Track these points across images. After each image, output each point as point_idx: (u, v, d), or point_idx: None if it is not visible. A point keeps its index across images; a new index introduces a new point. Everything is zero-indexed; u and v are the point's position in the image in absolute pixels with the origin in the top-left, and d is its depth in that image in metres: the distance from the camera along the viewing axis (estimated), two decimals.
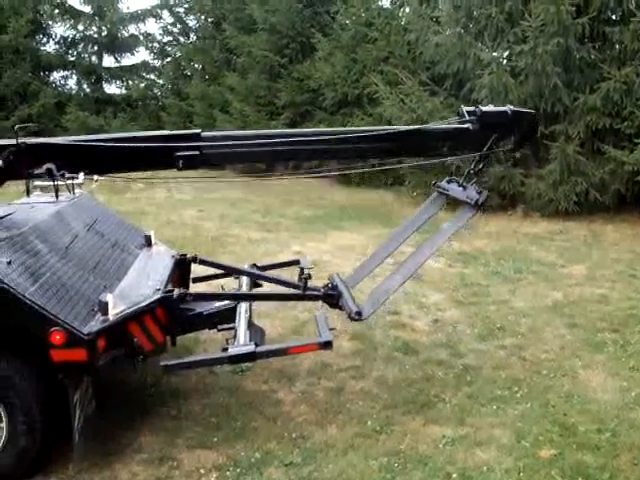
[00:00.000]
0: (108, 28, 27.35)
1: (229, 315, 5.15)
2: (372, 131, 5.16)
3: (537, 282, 8.64)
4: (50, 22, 27.48)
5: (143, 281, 5.24)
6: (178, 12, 26.77)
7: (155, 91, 27.21)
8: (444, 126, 5.17)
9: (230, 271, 6.13)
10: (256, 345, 4.47)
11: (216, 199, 16.11)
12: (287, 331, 7.01)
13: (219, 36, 22.68)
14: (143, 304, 4.58)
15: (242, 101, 20.52)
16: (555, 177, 11.97)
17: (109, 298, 4.46)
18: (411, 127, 5.23)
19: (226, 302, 5.34)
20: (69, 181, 6.25)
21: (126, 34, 27.90)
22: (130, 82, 27.58)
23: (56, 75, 27.80)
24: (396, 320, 7.28)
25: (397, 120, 13.84)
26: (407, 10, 16.58)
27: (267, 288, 6.00)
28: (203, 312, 5.12)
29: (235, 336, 4.73)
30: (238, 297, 5.37)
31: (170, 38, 27.35)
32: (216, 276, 6.36)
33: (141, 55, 28.29)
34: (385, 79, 15.42)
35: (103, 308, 4.39)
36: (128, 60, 28.33)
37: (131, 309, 4.51)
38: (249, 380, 5.82)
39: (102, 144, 4.94)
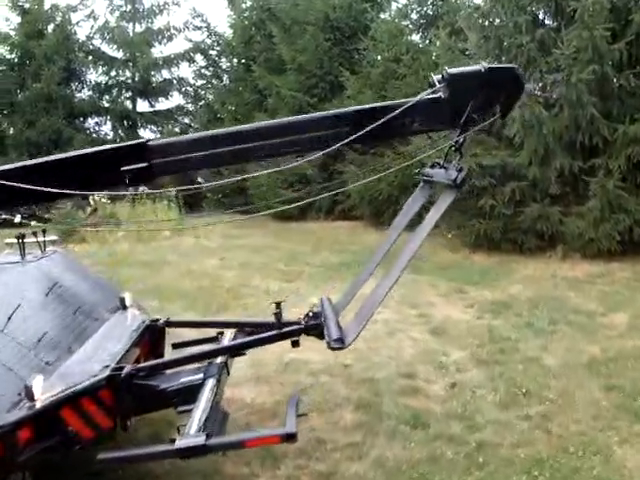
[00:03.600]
0: (141, 73, 27.13)
1: (192, 393, 4.40)
2: (329, 115, 4.38)
3: (573, 334, 7.73)
4: (84, 69, 27.34)
5: (98, 354, 4.56)
6: (211, 55, 26.50)
7: None
8: (409, 100, 4.26)
9: (204, 326, 5.46)
10: (208, 436, 3.69)
11: (242, 246, 15.52)
12: (285, 397, 6.20)
13: (249, 78, 22.25)
14: (80, 386, 3.89)
15: None
16: (595, 214, 11.05)
17: (36, 381, 3.77)
18: (371, 105, 4.37)
19: (194, 377, 4.60)
20: (41, 238, 5.79)
21: (159, 79, 27.73)
22: (165, 127, 27.31)
23: (90, 121, 27.67)
24: (409, 385, 6.45)
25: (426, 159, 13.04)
26: (438, 44, 15.88)
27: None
28: (162, 389, 4.38)
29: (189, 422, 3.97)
30: (204, 356, 4.63)
31: (203, 81, 27.10)
32: (199, 341, 5.64)
33: (175, 99, 27.90)
34: None
35: (29, 393, 3.70)
36: (162, 105, 28.12)
37: (65, 392, 3.81)
38: (229, 461, 5.05)
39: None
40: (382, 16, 18.20)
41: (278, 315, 4.49)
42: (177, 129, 27.30)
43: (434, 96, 4.14)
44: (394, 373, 6.77)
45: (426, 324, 8.49)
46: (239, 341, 4.92)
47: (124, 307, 5.69)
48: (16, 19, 26.51)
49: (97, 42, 27.26)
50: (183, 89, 27.79)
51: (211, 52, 26.54)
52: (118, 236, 18.31)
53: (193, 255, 14.81)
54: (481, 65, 4.01)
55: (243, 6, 24.03)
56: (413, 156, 13.92)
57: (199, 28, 26.36)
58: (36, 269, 5.36)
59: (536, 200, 11.82)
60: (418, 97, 4.11)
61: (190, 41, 26.96)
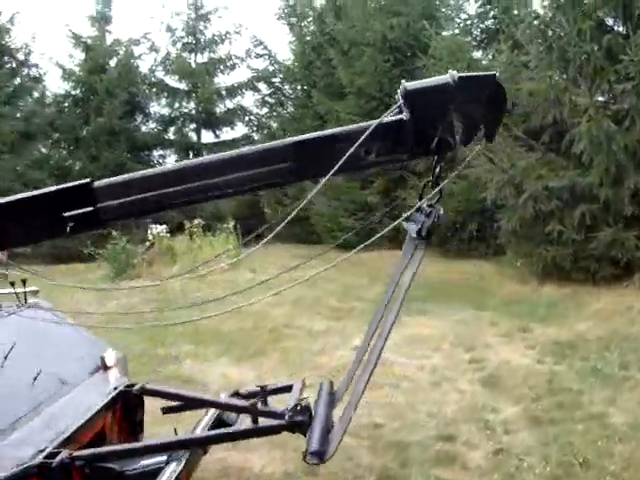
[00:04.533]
0: (204, 104, 26.76)
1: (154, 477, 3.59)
2: (262, 150, 3.44)
3: None
4: (147, 101, 27.19)
5: (42, 433, 3.78)
6: (274, 82, 26.01)
7: None
8: (365, 124, 3.23)
9: (181, 400, 4.62)
10: None
11: (298, 278, 14.66)
12: (298, 466, 5.34)
13: (310, 104, 21.61)
14: None
15: None
16: None
17: None
18: (314, 135, 3.37)
19: (158, 459, 3.79)
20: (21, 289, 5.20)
21: (223, 109, 27.32)
22: None
23: (155, 154, 27.40)
24: (446, 451, 5.47)
25: (488, 183, 12.09)
26: (504, 58, 14.83)
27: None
28: (118, 473, 3.59)
29: None
30: (161, 448, 3.79)
31: (267, 110, 26.63)
32: (188, 406, 4.84)
33: (240, 129, 27.44)
34: None
35: None
36: (227, 135, 27.66)
37: None
38: None
39: None
40: (443, 33, 17.26)
41: (254, 406, 3.64)
42: None
43: (394, 119, 3.15)
44: (431, 435, 5.81)
45: (478, 371, 7.48)
46: (204, 434, 4.07)
47: (105, 368, 4.92)
48: (80, 55, 26.52)
49: (160, 74, 27.05)
50: (247, 118, 27.26)
51: (274, 80, 26.03)
52: (173, 271, 17.82)
53: (247, 291, 14.06)
54: (449, 75, 3.00)
55: (304, 31, 23.47)
56: (478, 179, 13.12)
57: (261, 56, 25.91)
58: (2, 325, 4.67)
59: (609, 224, 10.68)
60: (375, 122, 3.14)
61: (253, 69, 26.52)
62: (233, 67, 26.98)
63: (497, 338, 8.84)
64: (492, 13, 15.76)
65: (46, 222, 3.66)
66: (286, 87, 25.59)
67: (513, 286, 12.12)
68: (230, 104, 27.37)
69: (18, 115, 26.02)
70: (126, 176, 3.50)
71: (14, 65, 27.48)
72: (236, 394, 4.86)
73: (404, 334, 9.38)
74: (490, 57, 15.54)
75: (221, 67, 27.07)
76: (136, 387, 4.55)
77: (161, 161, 27.36)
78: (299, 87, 24.53)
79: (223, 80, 27.29)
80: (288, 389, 4.62)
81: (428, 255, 11.30)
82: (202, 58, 27.19)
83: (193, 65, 26.94)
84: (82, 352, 5.02)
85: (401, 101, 2.93)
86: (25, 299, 5.16)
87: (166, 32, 26.82)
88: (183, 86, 27.08)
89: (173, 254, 19.02)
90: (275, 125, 25.50)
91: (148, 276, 17.39)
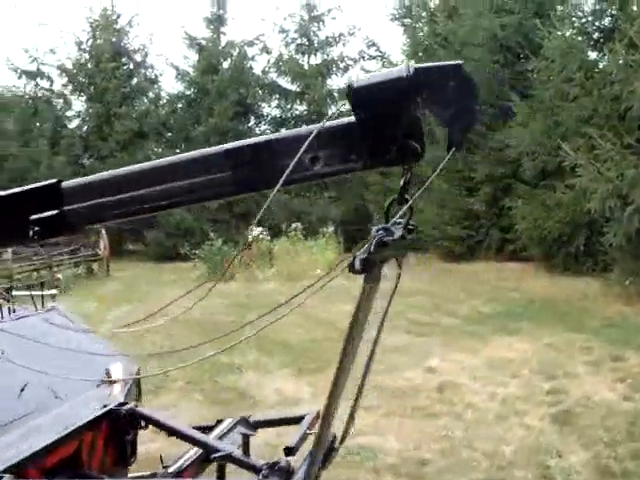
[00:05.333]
0: (316, 106, 26.43)
1: None
2: (197, 157, 2.83)
3: None
4: (259, 103, 27.15)
5: (4, 451, 3.41)
6: None
7: None
8: (307, 129, 2.56)
9: (170, 432, 4.13)
10: None
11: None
12: None
13: None
14: None
15: (440, 176, 18.45)
16: None
17: None
18: (250, 141, 2.72)
19: None
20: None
21: (335, 111, 26.86)
22: None
23: None
24: None
25: (592, 194, 11.09)
26: (618, 58, 13.70)
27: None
28: None
29: None
30: None
31: None
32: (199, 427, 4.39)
33: None
34: (587, 143, 12.63)
35: None
36: None
37: None
38: None
39: None
40: (557, 33, 16.17)
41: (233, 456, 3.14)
42: None
43: (340, 123, 2.49)
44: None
45: (554, 405, 6.65)
46: None
47: (110, 381, 4.50)
48: (194, 56, 26.79)
49: (272, 75, 26.93)
50: None
51: None
52: (269, 274, 17.52)
53: (334, 298, 13.52)
54: (404, 66, 2.30)
55: (418, 33, 22.78)
56: (584, 189, 12.11)
57: (374, 58, 25.36)
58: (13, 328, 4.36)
59: None
60: (316, 126, 2.50)
61: (366, 72, 25.95)
62: (346, 69, 26.62)
63: (585, 367, 7.94)
64: (609, 10, 14.56)
65: (9, 226, 3.27)
66: None
67: (617, 307, 11.08)
68: (342, 106, 26.91)
69: (133, 115, 26.52)
70: (95, 176, 3.01)
71: (132, 66, 28.07)
72: (244, 420, 4.44)
73: (486, 355, 8.65)
74: (604, 57, 14.34)
75: (334, 69, 26.69)
76: (125, 407, 4.11)
77: None
78: None
79: (336, 82, 26.93)
80: (298, 420, 4.15)
81: (532, 269, 10.34)
82: (315, 60, 26.90)
83: (305, 67, 26.66)
84: (90, 362, 4.62)
85: (346, 101, 2.30)
86: (43, 303, 4.92)
87: (279, 34, 26.70)
88: (295, 88, 26.87)
89: (271, 257, 18.77)
90: None
91: (243, 277, 17.17)
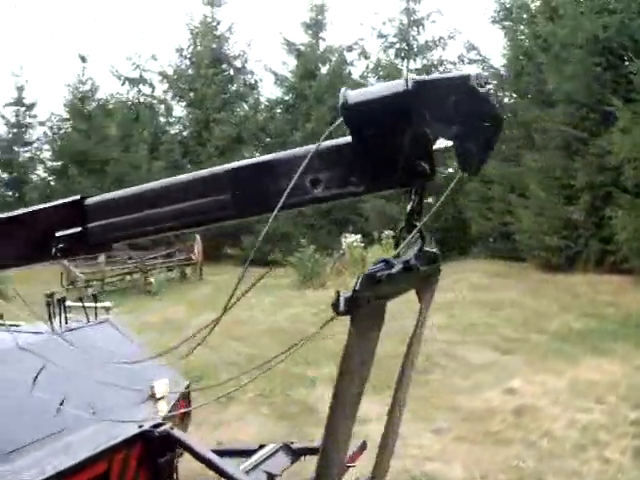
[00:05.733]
0: None
1: None
2: (198, 178, 2.61)
3: None
4: None
5: (33, 467, 3.44)
6: None
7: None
8: (304, 149, 2.28)
9: (201, 461, 3.98)
10: None
11: (483, 301, 13.62)
12: None
13: (520, 112, 20.20)
14: None
15: (539, 183, 17.83)
16: None
17: None
18: (248, 161, 2.45)
19: None
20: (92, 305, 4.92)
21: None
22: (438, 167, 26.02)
23: None
24: None
25: None
26: None
27: None
28: None
29: None
30: None
31: None
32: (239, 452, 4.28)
33: None
34: None
35: None
36: (441, 145, 26.73)
37: None
38: None
39: None
40: None
41: None
42: (451, 170, 25.85)
43: (337, 143, 2.23)
44: None
45: (638, 438, 6.16)
46: None
47: (154, 399, 4.39)
48: (292, 61, 26.88)
49: (372, 80, 26.60)
50: None
51: None
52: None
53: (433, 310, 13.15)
54: (403, 79, 2.00)
55: (519, 36, 22.10)
56: None
57: (474, 61, 24.73)
58: (54, 343, 4.31)
59: None
60: (312, 147, 2.24)
61: None
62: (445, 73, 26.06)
63: None
64: None
65: (31, 243, 3.19)
66: (499, 94, 24.26)
67: None
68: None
69: (232, 120, 26.77)
70: (120, 191, 2.86)
71: (231, 72, 28.37)
72: (287, 447, 4.29)
73: (571, 377, 8.19)
74: None
75: (433, 73, 26.20)
76: (159, 429, 3.95)
77: None
78: (508, 94, 23.15)
79: None
80: None
81: (632, 283, 9.68)
82: (414, 64, 26.46)
83: (404, 71, 26.26)
84: (136, 378, 4.51)
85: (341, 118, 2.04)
86: (96, 315, 4.88)
87: (378, 38, 26.30)
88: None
89: (364, 265, 18.51)
90: None
91: (334, 285, 16.97)
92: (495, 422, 6.73)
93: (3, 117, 33.10)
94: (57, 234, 2.89)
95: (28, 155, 33.30)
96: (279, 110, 27.42)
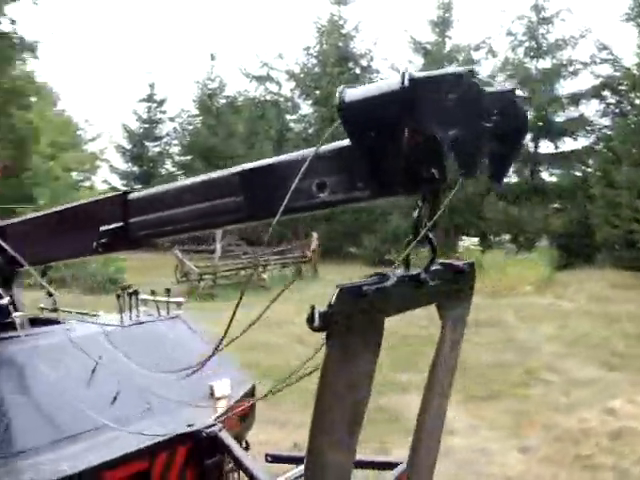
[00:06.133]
0: (542, 112, 25.15)
1: None
2: (212, 180, 2.54)
3: None
4: None
5: (69, 460, 3.34)
6: (620, 91, 23.68)
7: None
8: (308, 151, 2.12)
9: (243, 471, 3.89)
10: None
11: (602, 313, 13.05)
12: None
13: None
14: None
15: None
16: None
17: None
18: (263, 162, 2.31)
19: None
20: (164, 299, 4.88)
21: (563, 117, 25.47)
22: (569, 170, 25.10)
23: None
24: None
25: None
26: None
27: None
28: None
29: None
30: None
31: (608, 120, 24.35)
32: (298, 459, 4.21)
33: (582, 140, 25.48)
34: None
35: None
36: (568, 145, 25.84)
37: None
38: None
39: None
40: None
41: None
42: (579, 173, 24.91)
43: (336, 146, 2.06)
44: None
45: None
46: None
47: (215, 399, 4.37)
48: (419, 60, 26.63)
49: (499, 79, 25.95)
50: (589, 128, 25.17)
51: (620, 88, 23.69)
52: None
53: (536, 319, 12.71)
54: (400, 76, 1.80)
55: None
56: None
57: (605, 61, 23.73)
58: (119, 335, 4.38)
59: None
60: (310, 150, 2.11)
61: (596, 76, 24.39)
62: (575, 73, 25.15)
63: None
64: None
65: (75, 238, 3.25)
66: (632, 95, 23.15)
67: None
68: (572, 112, 25.48)
69: None
70: (162, 187, 2.84)
71: (358, 71, 28.36)
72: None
73: None
74: None
75: (562, 73, 25.33)
76: (208, 431, 3.89)
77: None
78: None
79: (563, 87, 25.59)
80: (391, 467, 3.81)
81: None
82: (543, 63, 25.64)
83: (533, 71, 25.50)
84: (199, 376, 4.48)
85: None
86: (168, 310, 4.90)
87: (506, 36, 25.75)
88: (521, 92, 25.71)
89: (480, 270, 18.03)
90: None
91: None
92: (588, 444, 6.36)
93: (135, 113, 34.55)
94: (101, 229, 2.91)
95: (158, 150, 34.57)
96: None
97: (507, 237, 18.99)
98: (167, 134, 34.69)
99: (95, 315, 4.97)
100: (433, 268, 2.25)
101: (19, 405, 3.54)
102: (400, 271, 2.11)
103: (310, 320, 1.75)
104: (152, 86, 34.37)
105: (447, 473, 5.66)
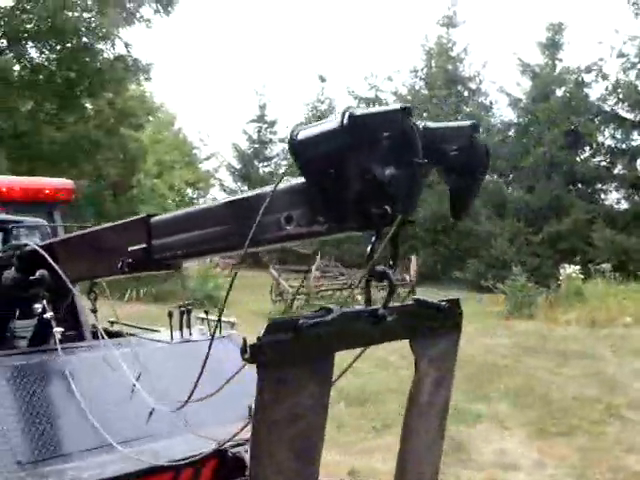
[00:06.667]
0: None
1: None
2: (212, 207, 2.67)
3: None
4: (591, 132, 25.56)
5: (90, 470, 3.47)
6: None
7: None
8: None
9: None
10: None
11: None
12: None
13: None
14: None
15: None
16: None
17: None
18: (245, 195, 2.34)
19: None
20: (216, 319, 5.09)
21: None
22: None
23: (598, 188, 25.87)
24: None
25: None
26: None
27: None
28: None
29: None
30: None
31: None
32: None
33: None
34: None
35: None
36: None
37: None
38: None
39: None
40: None
41: None
42: None
43: (293, 183, 2.11)
44: None
45: None
46: None
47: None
48: (526, 83, 26.13)
49: (610, 102, 25.27)
50: None
51: None
52: (572, 316, 16.26)
53: (631, 352, 12.22)
54: (340, 114, 1.82)
55: None
56: None
57: None
58: (164, 352, 4.55)
59: None
60: (267, 189, 2.19)
61: None
62: None
63: None
64: None
65: (100, 259, 3.44)
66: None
67: None
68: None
69: None
70: (179, 212, 2.99)
71: (466, 93, 28.13)
72: None
73: None
74: None
75: None
76: (234, 450, 3.95)
77: (602, 197, 25.70)
78: None
79: None
80: None
81: None
82: None
83: None
84: (239, 396, 4.56)
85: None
86: (220, 329, 5.03)
87: (617, 58, 24.84)
88: (633, 116, 24.87)
89: (580, 298, 17.45)
90: None
91: (543, 317, 16.30)
92: None
93: (245, 132, 35.24)
94: (128, 249, 3.07)
95: (267, 170, 35.10)
96: (511, 132, 26.74)
97: (609, 266, 18.24)
98: (277, 155, 35.33)
99: (155, 331, 5.13)
100: (407, 304, 2.26)
101: (58, 414, 3.71)
102: (360, 307, 2.13)
103: (242, 352, 1.79)
104: (263, 107, 35.08)
105: None
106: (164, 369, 4.22)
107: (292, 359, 1.88)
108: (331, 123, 1.83)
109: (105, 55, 19.55)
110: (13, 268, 4.04)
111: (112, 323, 5.10)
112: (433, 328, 2.31)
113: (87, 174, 19.26)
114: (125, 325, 5.18)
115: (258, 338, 1.78)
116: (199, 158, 34.13)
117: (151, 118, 29.62)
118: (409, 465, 2.35)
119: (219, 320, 4.96)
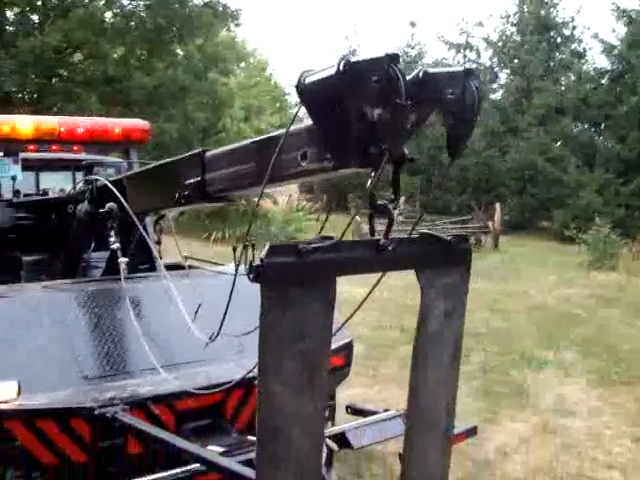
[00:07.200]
0: None
1: None
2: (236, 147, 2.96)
3: None
4: None
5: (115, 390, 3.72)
6: None
7: None
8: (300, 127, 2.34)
9: None
10: None
11: None
12: None
13: None
14: None
15: None
16: None
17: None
18: (270, 135, 2.68)
19: None
20: None
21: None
22: None
23: None
24: None
25: None
26: None
27: None
28: None
29: None
30: None
31: None
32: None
33: None
34: None
35: None
36: None
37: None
38: None
39: None
40: None
41: None
42: None
43: (302, 125, 2.35)
44: None
45: None
46: None
47: None
48: (622, 29, 25.19)
49: None
50: None
51: None
52: None
53: None
54: (337, 61, 2.02)
55: None
56: None
57: None
58: (223, 284, 4.77)
59: None
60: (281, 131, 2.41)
61: None
62: None
63: None
64: None
65: (159, 192, 3.68)
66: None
67: None
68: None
69: (554, 89, 25.94)
70: (228, 147, 3.17)
71: (558, 40, 27.38)
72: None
73: None
74: None
75: None
76: None
77: None
78: None
79: None
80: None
81: None
82: None
83: None
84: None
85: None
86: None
87: None
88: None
89: None
90: None
91: (626, 269, 16.01)
92: None
93: None
94: (185, 182, 3.30)
95: None
96: (604, 81, 25.95)
97: None
98: None
99: (220, 265, 5.34)
100: (413, 236, 2.42)
101: (120, 336, 3.99)
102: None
103: (248, 272, 2.02)
104: (353, 52, 34.84)
105: (549, 452, 5.65)
106: (222, 300, 4.42)
107: (295, 280, 2.07)
108: (331, 69, 2.02)
109: (194, 1, 19.77)
110: (86, 201, 4.38)
111: (186, 258, 5.36)
112: (440, 261, 2.46)
113: (176, 118, 19.68)
114: (196, 260, 5.47)
115: (261, 259, 1.99)
116: (290, 103, 34.28)
117: (242, 64, 29.83)
118: (421, 394, 2.48)
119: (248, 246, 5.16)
